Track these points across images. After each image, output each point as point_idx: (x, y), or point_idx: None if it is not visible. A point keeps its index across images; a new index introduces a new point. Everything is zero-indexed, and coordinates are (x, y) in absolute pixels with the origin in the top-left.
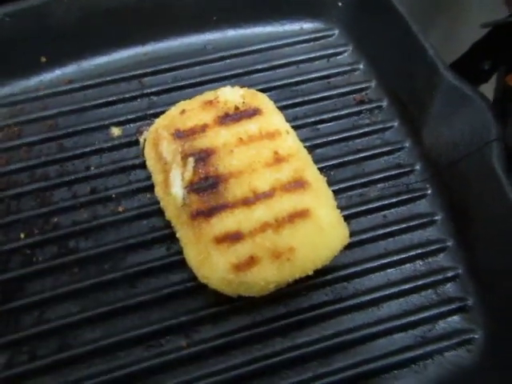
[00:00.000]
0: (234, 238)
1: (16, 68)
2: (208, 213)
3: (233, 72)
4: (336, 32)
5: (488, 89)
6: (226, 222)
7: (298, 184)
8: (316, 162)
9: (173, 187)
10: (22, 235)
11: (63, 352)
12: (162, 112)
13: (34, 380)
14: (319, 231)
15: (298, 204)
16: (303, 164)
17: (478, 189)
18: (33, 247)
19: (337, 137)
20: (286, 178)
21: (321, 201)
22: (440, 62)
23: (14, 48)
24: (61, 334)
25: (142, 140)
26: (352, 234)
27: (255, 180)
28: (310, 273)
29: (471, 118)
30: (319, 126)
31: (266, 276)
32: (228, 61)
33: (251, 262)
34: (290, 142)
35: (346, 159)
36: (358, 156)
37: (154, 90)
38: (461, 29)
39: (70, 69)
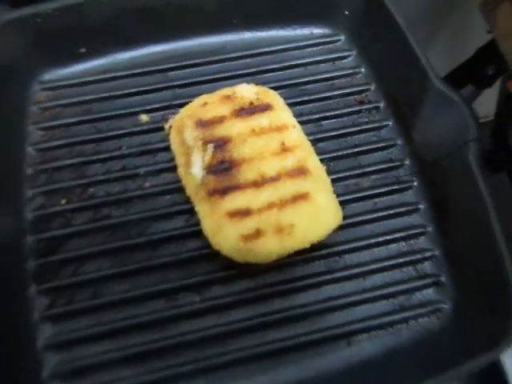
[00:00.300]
0: (244, 213)
1: (59, 57)
2: (223, 191)
3: (248, 70)
4: (342, 38)
5: (492, 93)
6: (237, 200)
7: (300, 171)
8: (318, 153)
9: (193, 168)
10: (63, 201)
11: (96, 299)
12: (185, 103)
13: (72, 320)
14: (316, 212)
15: (299, 188)
16: (306, 154)
17: (456, 183)
18: (72, 212)
19: (337, 132)
20: (290, 166)
21: (319, 186)
22: (431, 70)
23: (59, 39)
24: (94, 285)
25: (167, 127)
26: (345, 217)
27: (264, 166)
28: (307, 245)
29: (454, 121)
30: (322, 123)
31: (270, 247)
32: (244, 60)
33: (257, 234)
34: (296, 135)
35: (344, 152)
36: (355, 150)
37: (177, 83)
38: (466, 33)
39: (105, 60)
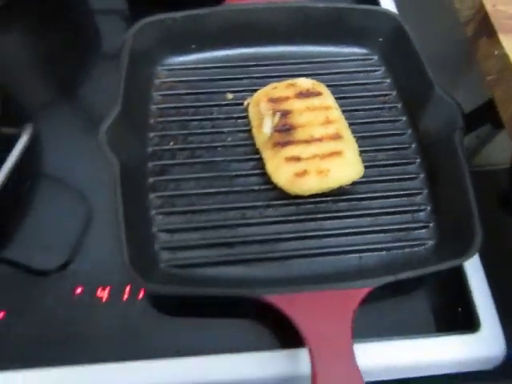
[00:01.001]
0: (296, 159)
1: (177, 49)
2: (283, 144)
3: (304, 72)
4: (375, 57)
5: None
6: (292, 151)
7: (337, 136)
8: None
9: (264, 128)
10: (171, 143)
11: (189, 206)
12: (259, 89)
13: (174, 216)
14: (346, 163)
15: (335, 147)
16: (342, 127)
17: (445, 159)
18: (176, 150)
19: (364, 120)
20: (330, 132)
21: (350, 148)
22: (435, 83)
23: (179, 37)
24: (188, 196)
25: (245, 103)
26: (364, 176)
27: (312, 130)
28: (337, 186)
29: (447, 115)
30: (354, 113)
31: (311, 183)
32: (302, 65)
33: (304, 173)
34: (336, 114)
35: (368, 134)
36: (376, 133)
37: (255, 75)
38: None
39: (207, 55)
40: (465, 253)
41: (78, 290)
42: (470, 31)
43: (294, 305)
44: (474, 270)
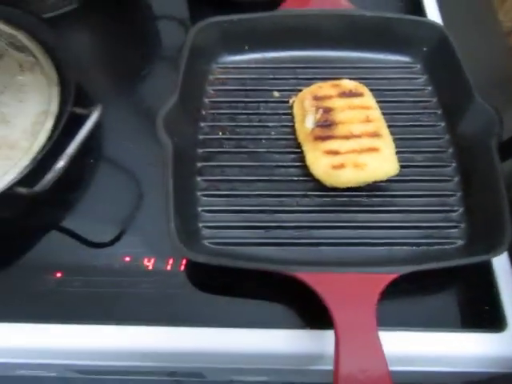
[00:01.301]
0: (335, 152)
1: (231, 49)
2: (323, 138)
3: (350, 76)
4: (419, 66)
5: None
6: (332, 145)
7: (376, 134)
8: (390, 133)
9: (307, 123)
10: (220, 133)
11: (233, 191)
12: (304, 88)
13: (217, 198)
14: (382, 159)
15: (373, 144)
16: (381, 125)
17: (480, 162)
18: (224, 140)
19: (405, 123)
20: (370, 130)
21: (387, 145)
22: (476, 92)
23: (234, 38)
24: (232, 182)
25: (291, 101)
26: (401, 175)
27: (352, 127)
28: (373, 181)
29: (485, 121)
30: (396, 116)
31: (348, 175)
32: (349, 70)
33: (341, 166)
34: (376, 114)
35: (408, 136)
36: (415, 136)
37: (301, 76)
38: None
39: (258, 55)
40: (492, 250)
41: (127, 259)
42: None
43: (323, 283)
44: (503, 270)
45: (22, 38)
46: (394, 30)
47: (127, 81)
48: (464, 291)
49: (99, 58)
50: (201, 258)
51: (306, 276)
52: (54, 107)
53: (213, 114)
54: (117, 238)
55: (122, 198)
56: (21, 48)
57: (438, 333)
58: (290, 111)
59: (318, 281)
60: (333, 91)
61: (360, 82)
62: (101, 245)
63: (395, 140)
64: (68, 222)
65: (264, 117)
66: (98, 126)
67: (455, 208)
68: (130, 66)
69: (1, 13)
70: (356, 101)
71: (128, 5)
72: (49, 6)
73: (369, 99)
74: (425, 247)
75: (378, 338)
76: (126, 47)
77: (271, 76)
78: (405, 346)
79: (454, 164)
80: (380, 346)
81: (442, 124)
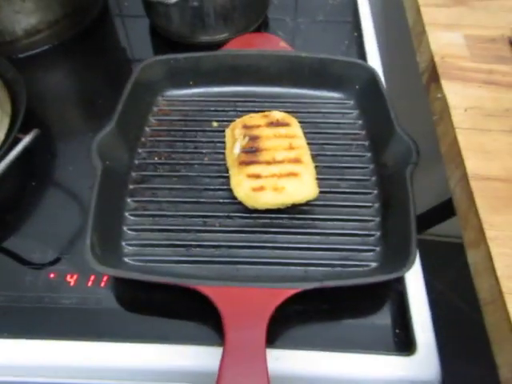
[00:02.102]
0: (257, 176)
1: (177, 84)
2: (248, 163)
3: (286, 110)
4: (351, 102)
5: None
6: (255, 169)
7: (297, 160)
8: (316, 162)
9: (235, 149)
10: (156, 158)
11: (161, 211)
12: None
13: (144, 218)
14: (301, 184)
15: (294, 169)
16: (303, 152)
17: (397, 191)
18: (159, 164)
19: (333, 153)
20: (292, 156)
21: (307, 171)
22: (398, 126)
23: (179, 74)
24: (160, 203)
25: (226, 130)
26: (323, 200)
27: (275, 154)
28: (291, 203)
29: (403, 151)
30: (325, 146)
31: (267, 198)
32: (286, 104)
33: (261, 189)
34: (300, 142)
35: (335, 164)
36: (342, 165)
37: (240, 109)
38: None
39: (202, 90)
40: (395, 270)
41: (51, 276)
42: (424, 79)
43: (222, 297)
44: (417, 296)
45: None
46: (329, 70)
47: (85, 114)
48: (377, 314)
49: (66, 93)
50: (110, 272)
51: (207, 289)
52: (1, 134)
53: (152, 141)
54: (46, 256)
55: (58, 218)
56: None
57: (346, 354)
58: (224, 140)
59: (218, 294)
60: (262, 121)
61: (295, 116)
62: (29, 262)
63: (323, 168)
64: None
65: (200, 144)
66: (42, 151)
67: (372, 232)
68: (92, 101)
69: None
70: (282, 130)
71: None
72: (21, 47)
73: (295, 129)
74: (339, 268)
75: (264, 355)
76: (93, 85)
77: (212, 108)
78: (313, 366)
79: (375, 191)
80: (265, 364)
81: (368, 154)
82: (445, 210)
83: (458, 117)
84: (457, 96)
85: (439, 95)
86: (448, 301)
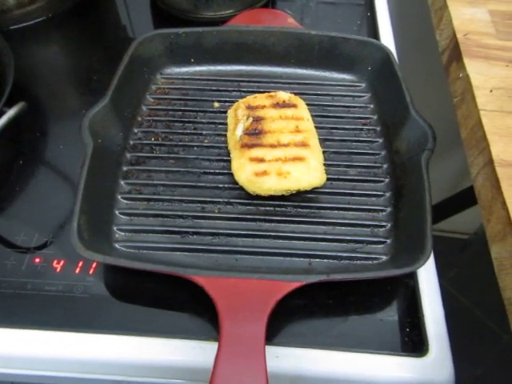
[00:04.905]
0: (259, 160)
1: (177, 61)
2: (250, 146)
3: (293, 91)
4: (363, 84)
5: None
6: (257, 152)
7: (303, 144)
8: (324, 147)
9: (237, 131)
10: (152, 139)
11: (156, 195)
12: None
13: (138, 202)
14: (307, 169)
15: (300, 153)
16: (310, 136)
17: (411, 179)
18: (156, 145)
19: (342, 138)
20: (298, 140)
21: (314, 155)
22: (412, 108)
23: (180, 50)
24: (156, 186)
25: (228, 111)
26: (330, 187)
27: (280, 137)
28: (295, 190)
29: (419, 136)
30: (333, 131)
31: (271, 184)
32: (292, 85)
33: (265, 173)
34: (307, 125)
35: (343, 150)
36: (351, 151)
37: (244, 89)
38: None
39: (204, 68)
40: (412, 263)
41: (37, 260)
42: (444, 59)
43: (218, 288)
44: (430, 293)
45: None
46: (340, 50)
47: (79, 91)
48: (386, 311)
49: (59, 69)
50: (98, 258)
51: (202, 279)
52: None
53: (149, 120)
54: (32, 240)
55: (47, 200)
56: None
57: (351, 353)
58: (226, 121)
59: (214, 285)
60: (267, 101)
61: (302, 98)
62: (13, 245)
63: (331, 153)
64: None
65: (200, 125)
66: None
67: (383, 223)
68: (87, 77)
69: None
70: (288, 112)
71: (99, 22)
72: (12, 18)
73: (302, 111)
74: (346, 261)
75: (263, 351)
76: (88, 61)
77: (214, 88)
78: (316, 365)
79: (387, 180)
80: (263, 361)
81: (380, 140)
82: (456, 201)
83: (482, 98)
84: (481, 76)
85: (461, 75)
86: (450, 297)
